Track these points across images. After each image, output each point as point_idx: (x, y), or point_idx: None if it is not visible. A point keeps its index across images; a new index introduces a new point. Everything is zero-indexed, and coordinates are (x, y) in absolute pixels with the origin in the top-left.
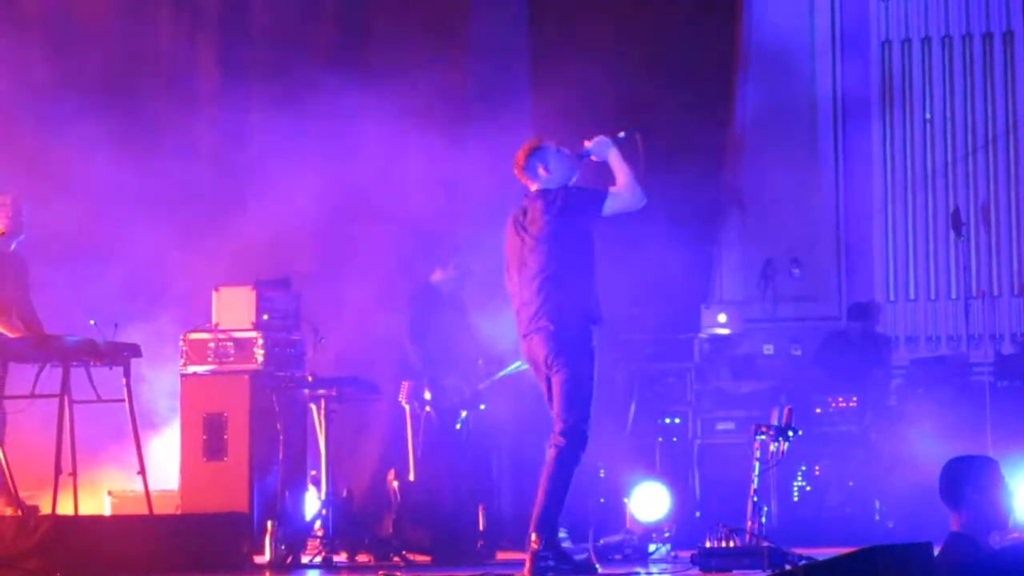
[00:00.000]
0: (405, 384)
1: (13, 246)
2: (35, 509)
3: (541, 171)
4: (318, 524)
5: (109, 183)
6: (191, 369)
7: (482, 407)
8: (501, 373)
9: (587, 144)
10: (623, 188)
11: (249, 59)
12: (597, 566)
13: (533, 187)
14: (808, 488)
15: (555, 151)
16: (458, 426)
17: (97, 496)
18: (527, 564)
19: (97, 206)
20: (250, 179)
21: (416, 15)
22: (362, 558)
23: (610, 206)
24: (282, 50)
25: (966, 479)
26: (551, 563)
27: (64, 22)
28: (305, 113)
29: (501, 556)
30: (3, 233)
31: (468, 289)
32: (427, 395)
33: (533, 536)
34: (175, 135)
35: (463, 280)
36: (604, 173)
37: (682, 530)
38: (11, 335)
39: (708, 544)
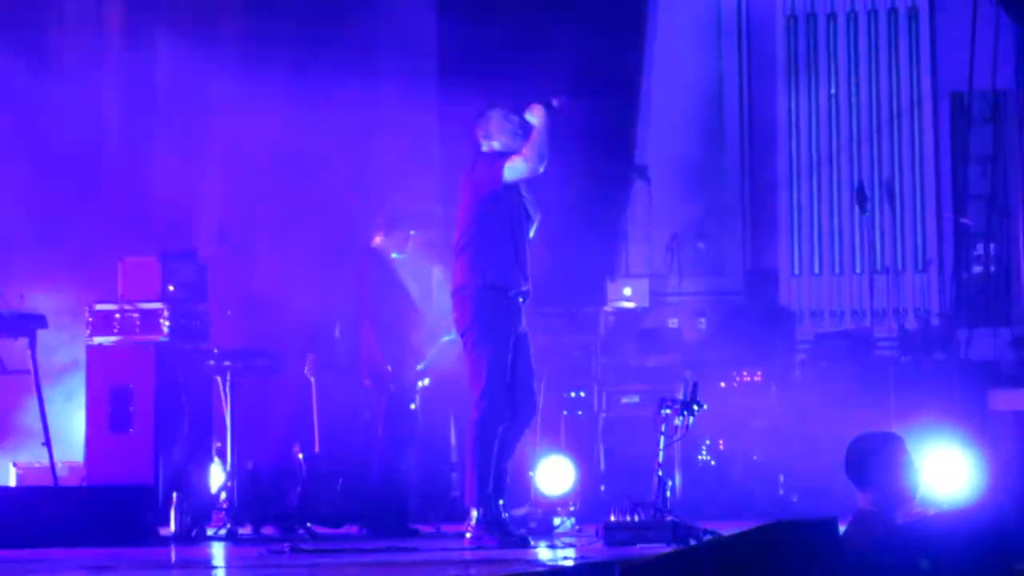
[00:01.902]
0: (310, 356)
1: None
2: None
3: (482, 135)
4: (223, 496)
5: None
6: (97, 340)
7: (426, 381)
8: (434, 349)
9: (526, 113)
10: (527, 154)
11: (155, 20)
12: (529, 539)
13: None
14: (713, 462)
15: (501, 117)
16: (413, 405)
17: (2, 467)
18: (466, 536)
19: None
20: (157, 147)
21: None
22: (267, 531)
23: (510, 172)
24: (190, 11)
25: (872, 456)
26: (485, 536)
27: None
28: (211, 78)
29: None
30: None
31: (411, 255)
32: (389, 370)
33: (472, 512)
34: (76, 88)
35: (404, 244)
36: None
37: (587, 504)
38: None
39: (613, 518)
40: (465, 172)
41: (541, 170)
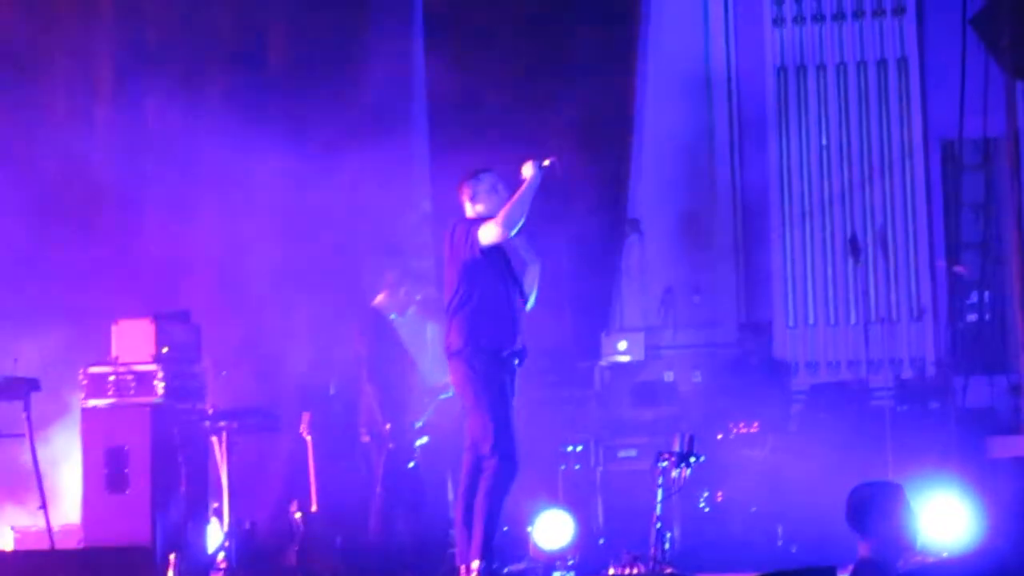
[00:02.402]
0: (305, 415)
1: None
2: None
3: (468, 200)
4: (221, 556)
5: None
6: (92, 403)
7: (424, 439)
8: (431, 408)
9: (522, 168)
10: (500, 218)
11: (148, 76)
12: None
13: (466, 215)
14: (710, 514)
15: (489, 185)
16: (411, 464)
17: None
18: None
19: None
20: (150, 207)
21: (314, 30)
22: None
23: (484, 237)
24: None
25: (872, 505)
26: None
27: None
28: (203, 137)
29: None
30: None
31: (409, 315)
32: (388, 429)
33: (473, 565)
34: (68, 143)
35: (407, 307)
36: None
37: (586, 557)
38: None
39: (612, 571)
40: (447, 237)
41: (513, 234)
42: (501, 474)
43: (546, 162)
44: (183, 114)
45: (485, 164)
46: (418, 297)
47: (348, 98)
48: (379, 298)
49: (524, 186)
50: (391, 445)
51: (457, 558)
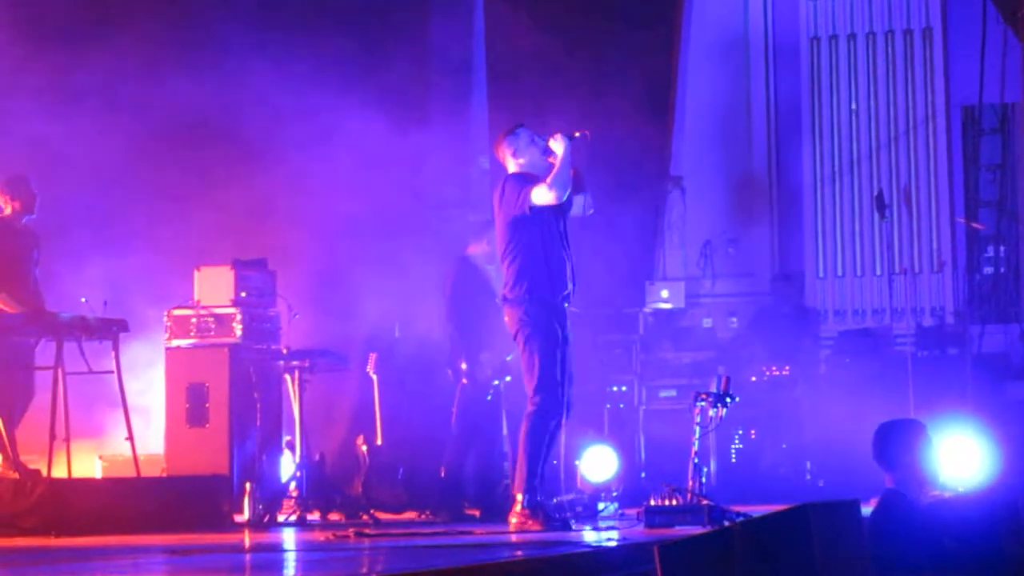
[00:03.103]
0: (372, 355)
1: (24, 221)
2: (36, 473)
3: (510, 156)
4: (293, 485)
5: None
6: (175, 343)
7: (508, 379)
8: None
9: (550, 141)
10: (550, 184)
11: (238, 39)
12: (572, 523)
13: (508, 169)
14: (744, 450)
15: (528, 139)
16: (489, 397)
17: (89, 460)
18: (511, 521)
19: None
20: (232, 159)
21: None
22: (334, 516)
23: (537, 199)
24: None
25: (897, 440)
26: (530, 521)
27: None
28: (285, 95)
29: None
30: (18, 211)
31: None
32: (463, 367)
33: (517, 497)
34: (159, 92)
35: (492, 255)
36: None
37: (628, 490)
38: (9, 311)
39: (653, 502)
40: (497, 193)
41: (565, 198)
42: (542, 413)
43: (576, 134)
44: (268, 68)
45: (538, 123)
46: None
47: (418, 58)
48: (471, 248)
49: (562, 157)
50: (464, 381)
51: (512, 489)
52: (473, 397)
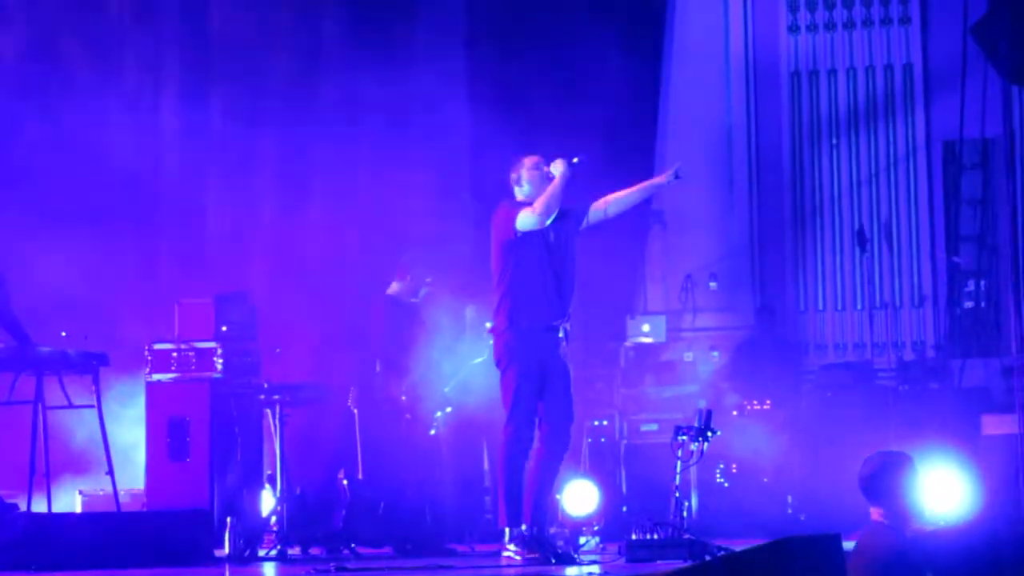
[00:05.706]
0: (353, 389)
1: None
2: (14, 507)
3: (514, 179)
4: (274, 520)
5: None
6: (156, 377)
7: (448, 410)
8: (463, 373)
9: (551, 165)
10: (536, 208)
11: (207, 67)
12: (575, 555)
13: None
14: (726, 484)
15: (532, 165)
16: (432, 431)
17: (69, 495)
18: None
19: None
20: (209, 196)
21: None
22: (314, 551)
23: (522, 223)
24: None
25: (887, 473)
26: (519, 553)
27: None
28: (256, 125)
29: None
30: None
31: (425, 299)
32: (404, 399)
33: (505, 531)
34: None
35: (418, 290)
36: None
37: (610, 524)
38: None
39: (634, 536)
40: (492, 219)
41: (548, 223)
42: (511, 443)
43: (575, 159)
44: (241, 100)
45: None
46: (428, 280)
47: (399, 93)
48: (392, 286)
49: (556, 181)
50: (408, 416)
51: (498, 523)
52: (420, 431)
